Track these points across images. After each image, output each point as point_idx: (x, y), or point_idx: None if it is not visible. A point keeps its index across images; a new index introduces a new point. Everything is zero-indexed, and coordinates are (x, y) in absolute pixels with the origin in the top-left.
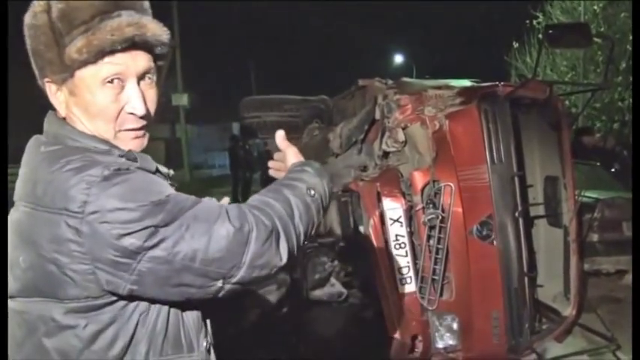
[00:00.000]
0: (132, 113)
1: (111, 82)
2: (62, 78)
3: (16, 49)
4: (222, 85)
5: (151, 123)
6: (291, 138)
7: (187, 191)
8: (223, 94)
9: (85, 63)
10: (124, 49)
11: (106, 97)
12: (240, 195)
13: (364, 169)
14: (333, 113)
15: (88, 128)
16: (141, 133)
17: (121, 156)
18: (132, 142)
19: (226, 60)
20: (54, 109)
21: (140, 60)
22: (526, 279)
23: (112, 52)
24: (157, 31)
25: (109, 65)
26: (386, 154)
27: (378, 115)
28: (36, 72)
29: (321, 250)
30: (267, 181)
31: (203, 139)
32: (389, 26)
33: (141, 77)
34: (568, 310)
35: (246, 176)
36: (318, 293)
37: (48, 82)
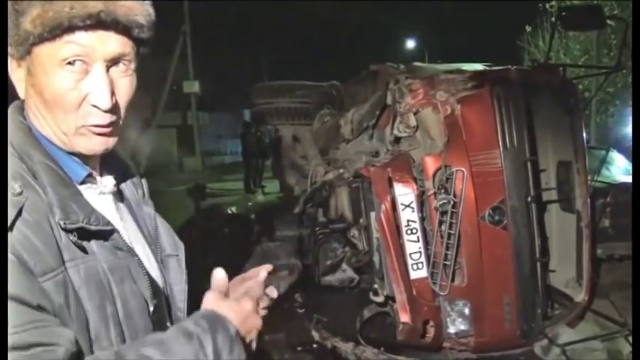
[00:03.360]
0: (96, 106)
1: (71, 63)
2: (19, 52)
3: None
4: (234, 71)
5: (121, 118)
6: (302, 124)
7: (200, 178)
8: (234, 80)
9: (40, 38)
10: (88, 28)
11: (63, 81)
12: (252, 182)
13: (376, 154)
14: (344, 99)
15: (43, 116)
16: (106, 130)
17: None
18: (94, 139)
19: (237, 46)
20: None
21: (111, 43)
22: (538, 264)
23: (72, 29)
24: (133, 10)
25: (70, 44)
26: (397, 140)
27: (389, 100)
28: None
29: (333, 236)
30: (279, 167)
31: (215, 126)
32: (400, 11)
33: (113, 63)
34: (580, 296)
35: (258, 163)
36: (329, 279)
37: (10, 56)
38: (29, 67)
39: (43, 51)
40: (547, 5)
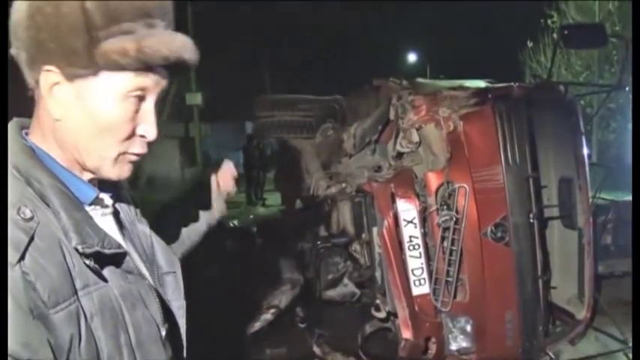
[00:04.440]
0: (143, 136)
1: (133, 97)
2: (79, 74)
3: None
4: (236, 83)
5: None
6: (305, 137)
7: (202, 190)
8: (237, 92)
9: (119, 67)
10: (163, 66)
11: (124, 112)
12: (253, 194)
13: (378, 169)
14: (347, 113)
15: (81, 141)
16: (138, 158)
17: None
18: (127, 167)
19: (240, 59)
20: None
21: (163, 78)
22: (540, 281)
23: (153, 66)
24: (195, 54)
25: (143, 78)
26: (400, 155)
27: (392, 116)
28: (23, 53)
29: (334, 250)
30: (280, 180)
31: (216, 138)
32: (402, 25)
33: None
34: (582, 313)
35: (259, 175)
36: (331, 293)
37: (48, 70)
38: (81, 91)
39: (112, 79)
40: (549, 21)
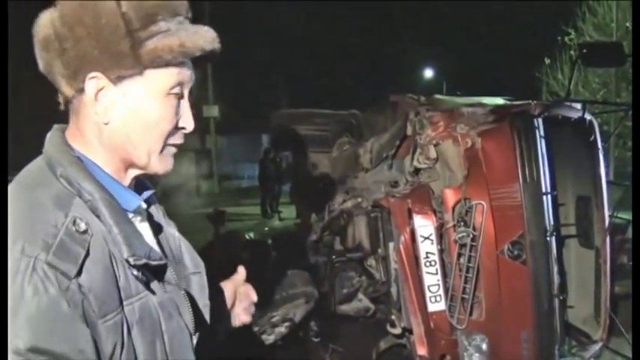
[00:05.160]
0: (182, 128)
1: (174, 92)
2: (126, 74)
3: (17, 49)
4: (252, 97)
5: None
6: (321, 151)
7: (217, 202)
8: (253, 105)
9: (164, 63)
10: (197, 58)
11: (168, 107)
12: (269, 207)
13: (395, 184)
14: (364, 128)
15: (130, 139)
16: (177, 150)
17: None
18: (170, 159)
19: (256, 72)
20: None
21: (192, 72)
22: (556, 300)
23: (188, 59)
24: (219, 44)
25: (179, 73)
26: (417, 171)
27: (409, 131)
28: (60, 67)
29: (349, 264)
30: (296, 193)
31: (232, 150)
32: (419, 41)
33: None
34: (598, 333)
35: (275, 188)
36: (345, 308)
37: (94, 77)
38: (127, 92)
39: (156, 76)
40: (566, 38)
